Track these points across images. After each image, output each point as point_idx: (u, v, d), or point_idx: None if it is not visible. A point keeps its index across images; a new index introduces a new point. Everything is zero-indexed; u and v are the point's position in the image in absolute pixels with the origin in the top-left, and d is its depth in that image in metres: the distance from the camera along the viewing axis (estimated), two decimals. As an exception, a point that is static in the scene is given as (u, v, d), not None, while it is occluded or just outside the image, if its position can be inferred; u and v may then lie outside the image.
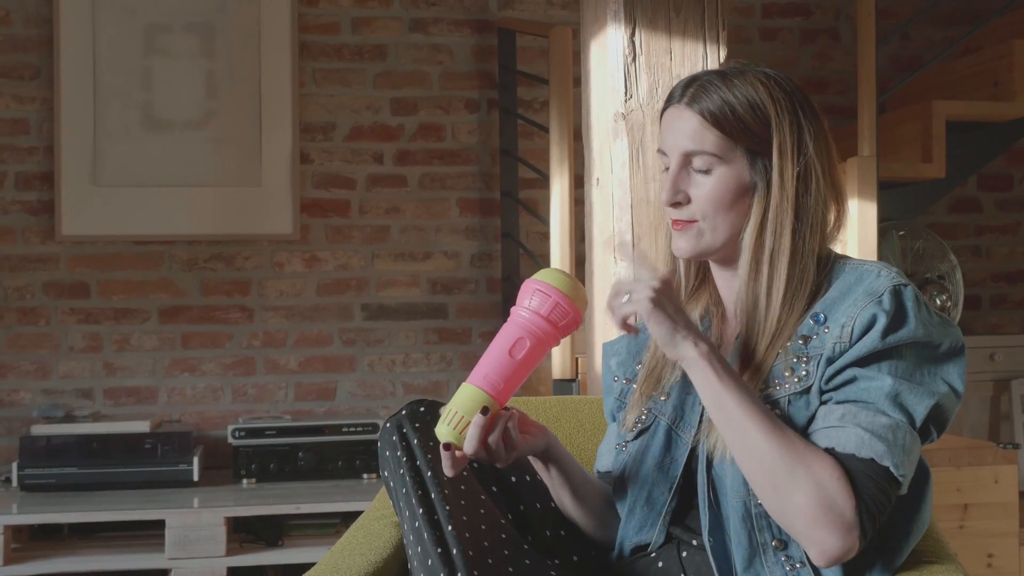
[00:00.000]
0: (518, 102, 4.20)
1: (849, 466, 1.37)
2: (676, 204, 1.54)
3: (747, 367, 1.50)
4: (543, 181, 3.78)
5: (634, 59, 2.28)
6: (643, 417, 1.62)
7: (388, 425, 1.60)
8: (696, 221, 1.53)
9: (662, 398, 1.61)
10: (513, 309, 1.53)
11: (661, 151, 1.57)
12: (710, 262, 1.61)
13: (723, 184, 1.51)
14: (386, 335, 4.19)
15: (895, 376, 1.42)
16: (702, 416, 1.55)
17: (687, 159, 1.53)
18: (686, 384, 1.58)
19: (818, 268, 1.52)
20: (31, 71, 4.02)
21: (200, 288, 4.08)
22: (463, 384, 1.50)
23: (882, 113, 3.90)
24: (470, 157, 4.25)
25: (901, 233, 3.94)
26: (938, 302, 3.83)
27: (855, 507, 1.35)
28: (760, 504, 1.44)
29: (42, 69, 4.01)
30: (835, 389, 1.44)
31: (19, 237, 3.99)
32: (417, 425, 1.59)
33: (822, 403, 1.45)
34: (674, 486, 1.56)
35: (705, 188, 1.52)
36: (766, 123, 1.51)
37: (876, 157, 3.44)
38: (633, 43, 2.28)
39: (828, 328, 1.46)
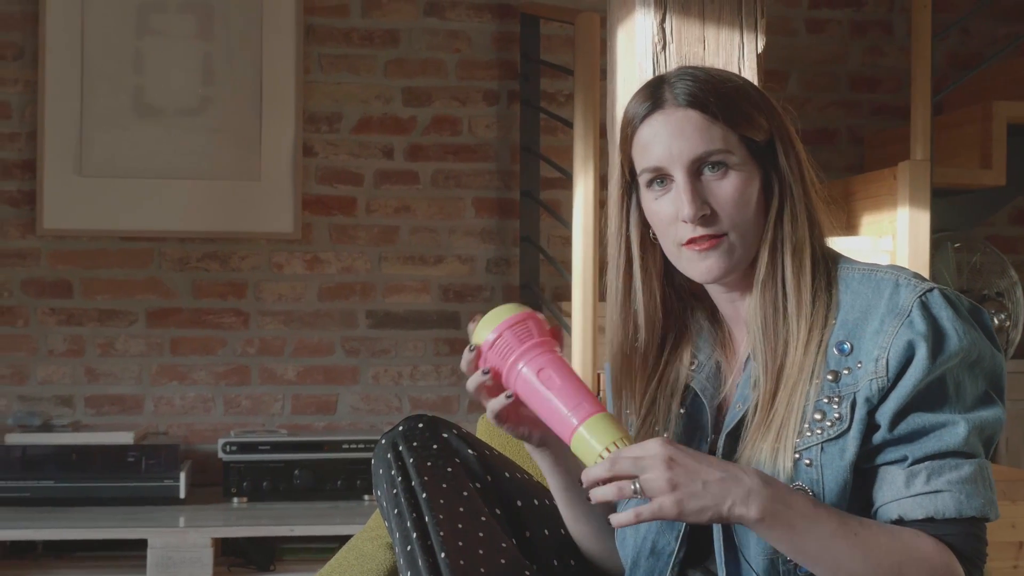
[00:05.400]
0: (541, 94, 4.20)
1: (951, 531, 1.38)
2: (702, 219, 1.45)
3: (771, 405, 1.44)
4: (566, 181, 3.78)
5: (664, 47, 2.27)
6: None
7: (383, 442, 1.61)
8: (725, 235, 1.46)
9: (665, 434, 1.56)
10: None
11: (651, 169, 1.48)
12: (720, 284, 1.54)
13: (743, 184, 1.46)
14: (392, 345, 4.19)
15: (963, 413, 1.40)
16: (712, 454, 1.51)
17: (696, 165, 1.46)
18: (691, 416, 1.56)
19: (827, 264, 1.50)
20: (14, 50, 4.04)
21: (191, 289, 4.09)
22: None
23: (938, 114, 3.89)
24: (488, 153, 4.25)
25: (956, 245, 3.92)
26: (996, 321, 3.81)
27: (966, 573, 1.38)
28: (790, 561, 1.41)
29: (26, 49, 4.03)
30: (905, 441, 1.40)
31: (-2, 230, 4.02)
32: (414, 444, 1.59)
33: (882, 448, 1.41)
34: (681, 534, 1.53)
35: (727, 193, 1.46)
36: (756, 105, 1.48)
37: (930, 162, 3.42)
38: (663, 30, 2.27)
39: (861, 363, 1.41)
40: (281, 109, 4.10)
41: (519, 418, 1.54)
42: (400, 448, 1.59)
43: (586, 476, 1.34)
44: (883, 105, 4.46)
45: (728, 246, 1.47)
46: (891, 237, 3.37)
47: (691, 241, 1.47)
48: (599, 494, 1.32)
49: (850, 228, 3.68)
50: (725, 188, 1.46)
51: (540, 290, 4.13)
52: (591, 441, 1.37)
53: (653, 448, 1.31)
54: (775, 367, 1.45)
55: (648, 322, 1.56)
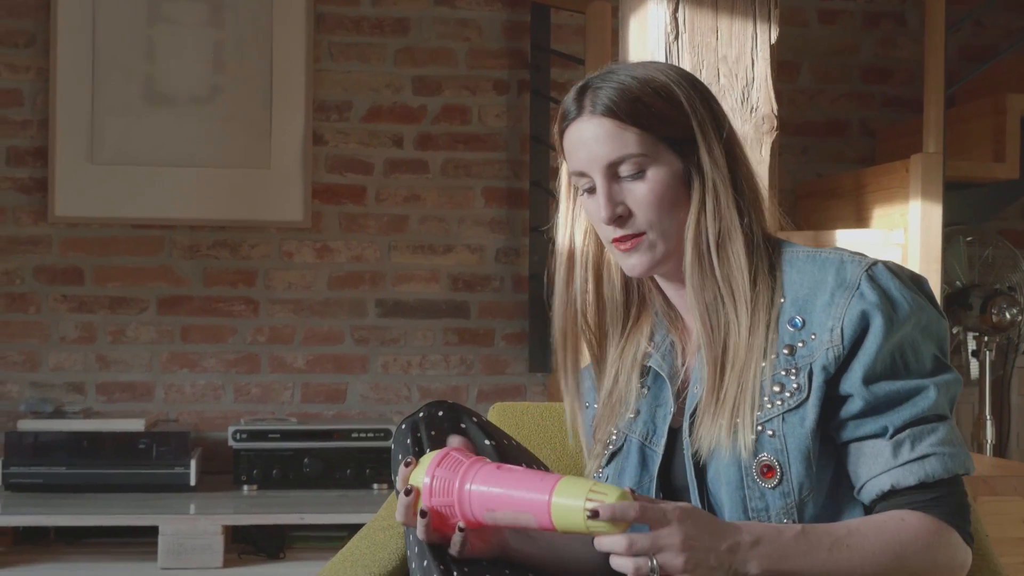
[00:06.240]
0: (551, 84, 4.20)
1: (940, 492, 1.45)
2: (619, 220, 1.52)
3: (719, 387, 1.50)
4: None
5: (676, 38, 2.28)
6: (613, 438, 1.64)
7: (404, 427, 1.62)
8: (644, 233, 1.53)
9: (630, 415, 1.63)
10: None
11: (578, 173, 1.56)
12: (657, 276, 1.61)
13: (660, 184, 1.51)
14: (402, 334, 4.20)
15: (928, 378, 1.47)
16: (672, 428, 1.57)
17: (612, 169, 1.52)
18: (655, 397, 1.62)
19: (768, 249, 1.55)
20: (25, 38, 4.05)
21: (202, 277, 4.11)
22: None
23: (951, 107, 3.88)
24: (497, 143, 4.26)
25: (968, 239, 3.92)
26: (1007, 316, 3.81)
27: (958, 536, 1.45)
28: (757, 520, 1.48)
29: (37, 36, 4.04)
30: (880, 411, 1.46)
31: (9, 217, 4.03)
32: (433, 433, 1.60)
33: (857, 419, 1.47)
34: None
35: (642, 194, 1.52)
36: (676, 103, 1.52)
37: (943, 155, 3.42)
38: (676, 20, 2.28)
39: (815, 334, 1.47)
40: (291, 97, 4.11)
41: (486, 543, 1.54)
42: (420, 435, 1.60)
43: (600, 546, 1.37)
44: (895, 97, 4.46)
45: (649, 243, 1.53)
46: (903, 230, 3.38)
47: (615, 240, 1.55)
48: (616, 564, 1.37)
49: (861, 221, 3.69)
50: (640, 189, 1.52)
51: (547, 281, 4.13)
52: (570, 501, 1.36)
53: (670, 528, 1.35)
54: (719, 350, 1.51)
55: (615, 301, 1.65)
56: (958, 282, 3.89)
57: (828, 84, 4.44)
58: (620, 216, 1.52)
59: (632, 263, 1.55)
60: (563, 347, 1.67)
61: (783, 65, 4.22)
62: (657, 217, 1.52)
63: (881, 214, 3.58)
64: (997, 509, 2.95)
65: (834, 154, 4.44)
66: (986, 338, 3.87)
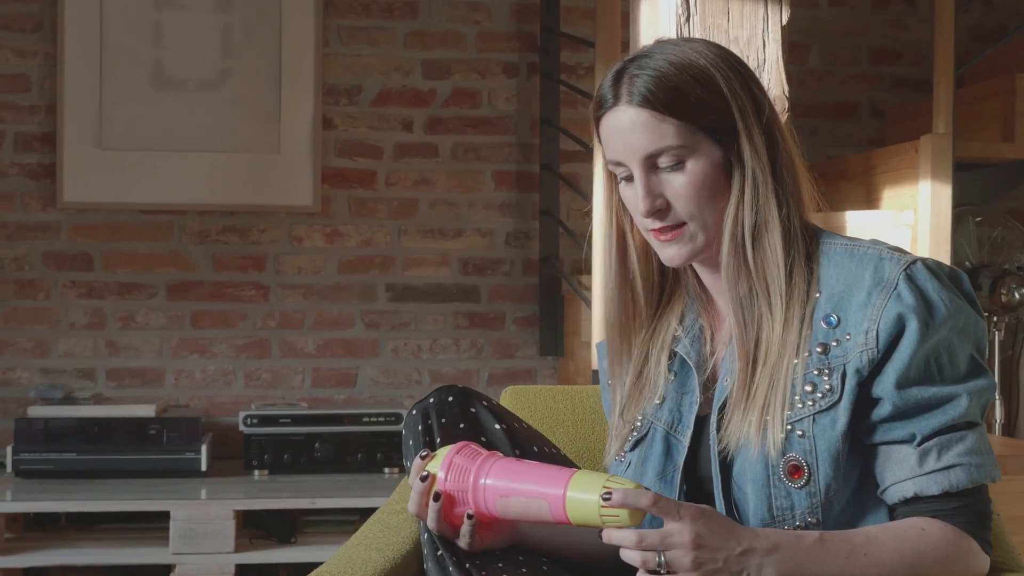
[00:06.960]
0: (561, 67, 4.19)
1: (964, 501, 1.45)
2: (658, 212, 1.50)
3: (751, 382, 1.48)
4: (586, 154, 3.78)
5: (688, 19, 2.27)
6: (638, 424, 1.63)
7: (414, 412, 1.62)
8: (685, 224, 1.51)
9: (656, 401, 1.61)
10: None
11: (614, 162, 1.53)
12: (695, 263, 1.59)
13: (699, 175, 1.48)
14: (412, 318, 4.20)
15: (961, 384, 1.45)
16: (698, 416, 1.56)
17: (651, 161, 1.49)
18: (681, 384, 1.60)
19: (806, 240, 1.52)
20: (33, 22, 4.05)
21: (212, 262, 4.11)
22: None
23: (960, 87, 3.87)
24: (507, 126, 4.25)
25: (978, 219, 3.91)
26: (1017, 296, 3.81)
27: (977, 545, 1.46)
28: (785, 524, 1.47)
29: (45, 21, 4.04)
30: (910, 416, 1.45)
31: (17, 203, 4.03)
32: (443, 420, 1.60)
33: (886, 424, 1.46)
34: (679, 497, 1.56)
35: (680, 186, 1.49)
36: (716, 90, 1.48)
37: (952, 135, 3.41)
38: (687, 1, 2.27)
39: (850, 335, 1.45)
40: (300, 82, 4.11)
41: (497, 534, 1.56)
42: (430, 421, 1.60)
43: (610, 539, 1.38)
44: (905, 78, 4.44)
45: (690, 234, 1.51)
46: (912, 211, 3.37)
47: (654, 230, 1.52)
48: (625, 556, 1.38)
49: (871, 202, 3.68)
50: (679, 181, 1.49)
51: (559, 263, 4.14)
52: (584, 496, 1.38)
53: (681, 524, 1.36)
54: (752, 344, 1.49)
55: (645, 281, 1.62)
56: (967, 262, 3.88)
57: (838, 65, 4.43)
58: (659, 209, 1.50)
59: (671, 254, 1.53)
60: (618, 332, 1.64)
61: (793, 46, 4.21)
62: (697, 209, 1.49)
63: (891, 195, 3.58)
64: (1006, 488, 2.95)
65: (844, 135, 4.43)
66: (995, 318, 3.87)
